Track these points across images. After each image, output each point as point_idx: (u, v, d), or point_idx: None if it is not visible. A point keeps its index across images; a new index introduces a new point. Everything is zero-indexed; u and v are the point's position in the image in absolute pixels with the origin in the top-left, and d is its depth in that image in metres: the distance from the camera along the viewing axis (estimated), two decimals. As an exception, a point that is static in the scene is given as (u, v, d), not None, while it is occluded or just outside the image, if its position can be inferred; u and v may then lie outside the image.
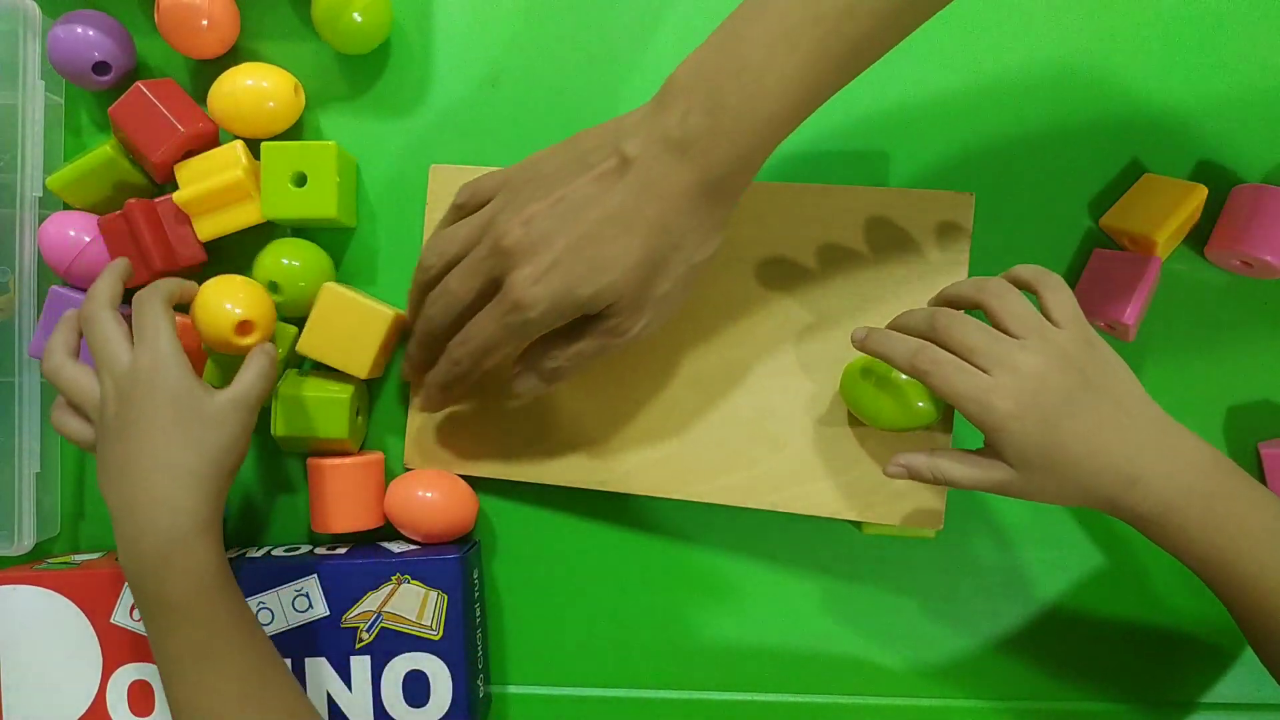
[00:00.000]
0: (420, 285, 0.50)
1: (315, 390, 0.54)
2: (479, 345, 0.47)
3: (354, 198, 0.58)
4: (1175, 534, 0.45)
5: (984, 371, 0.44)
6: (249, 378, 0.49)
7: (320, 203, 0.54)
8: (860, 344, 0.48)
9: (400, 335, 0.57)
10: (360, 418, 0.57)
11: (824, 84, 0.42)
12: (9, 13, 0.56)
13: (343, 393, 0.54)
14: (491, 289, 0.46)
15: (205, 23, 0.55)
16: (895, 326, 0.49)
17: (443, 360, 0.49)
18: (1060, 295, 0.46)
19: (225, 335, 0.51)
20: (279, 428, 0.54)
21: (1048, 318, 0.46)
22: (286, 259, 0.55)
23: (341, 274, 0.59)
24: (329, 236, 0.58)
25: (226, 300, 0.51)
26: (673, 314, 0.47)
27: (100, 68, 0.56)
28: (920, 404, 0.48)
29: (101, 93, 0.58)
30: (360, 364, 0.54)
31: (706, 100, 0.41)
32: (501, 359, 0.48)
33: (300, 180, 0.54)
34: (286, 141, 0.55)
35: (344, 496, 0.55)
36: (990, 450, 0.45)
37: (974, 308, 0.48)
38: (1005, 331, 0.45)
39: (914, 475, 0.47)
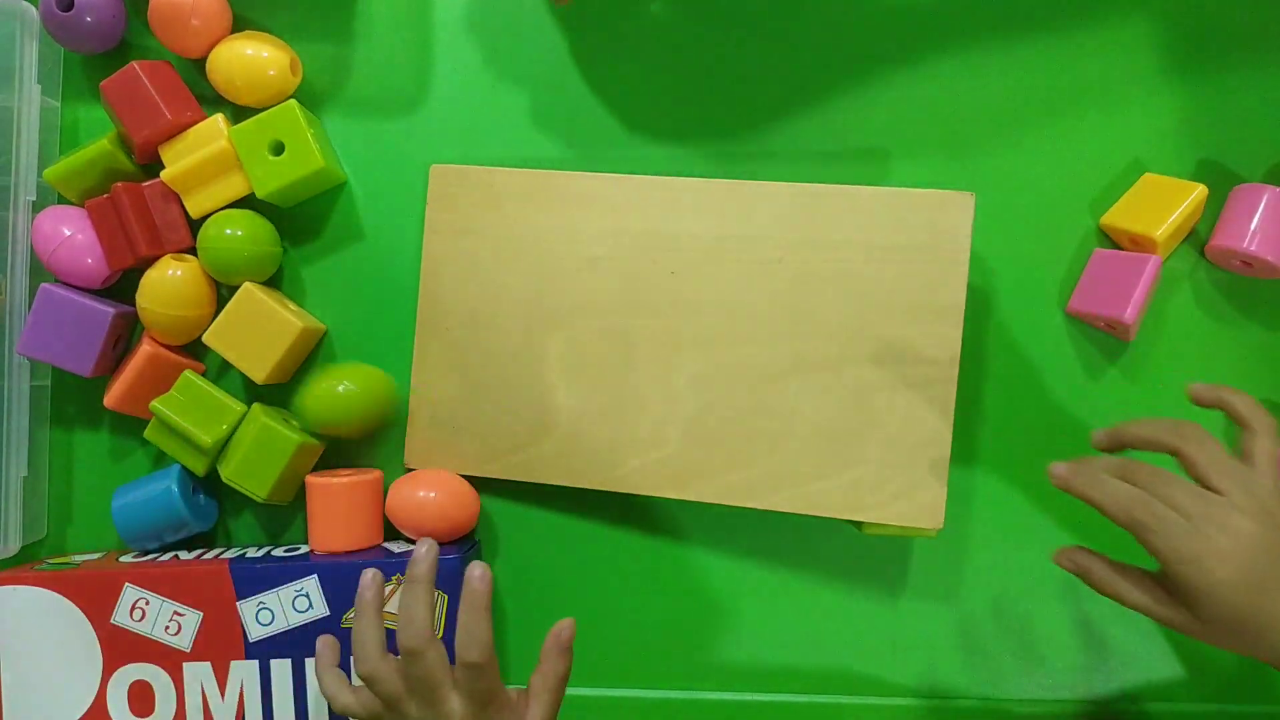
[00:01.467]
0: None
1: (246, 443, 0.54)
2: None
3: (331, 149, 0.58)
4: None
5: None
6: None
7: (304, 160, 0.54)
8: (1063, 481, 0.45)
9: (311, 347, 0.57)
10: (288, 420, 0.56)
11: None
12: (6, 15, 0.56)
13: (253, 421, 0.54)
14: None
15: (195, 22, 0.55)
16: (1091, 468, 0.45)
17: None
18: (1268, 442, 0.44)
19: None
20: (263, 494, 0.54)
21: (1248, 457, 0.44)
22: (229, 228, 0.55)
23: (340, 275, 0.59)
24: (333, 234, 0.59)
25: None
26: None
27: (62, 2, 0.55)
28: None
29: (99, 95, 0.58)
30: (260, 367, 0.54)
31: None
32: None
33: (277, 149, 0.55)
34: (249, 120, 0.55)
35: (342, 516, 0.55)
36: (1178, 593, 0.43)
37: (1167, 452, 0.45)
38: (1204, 481, 0.43)
39: (1084, 577, 0.46)
